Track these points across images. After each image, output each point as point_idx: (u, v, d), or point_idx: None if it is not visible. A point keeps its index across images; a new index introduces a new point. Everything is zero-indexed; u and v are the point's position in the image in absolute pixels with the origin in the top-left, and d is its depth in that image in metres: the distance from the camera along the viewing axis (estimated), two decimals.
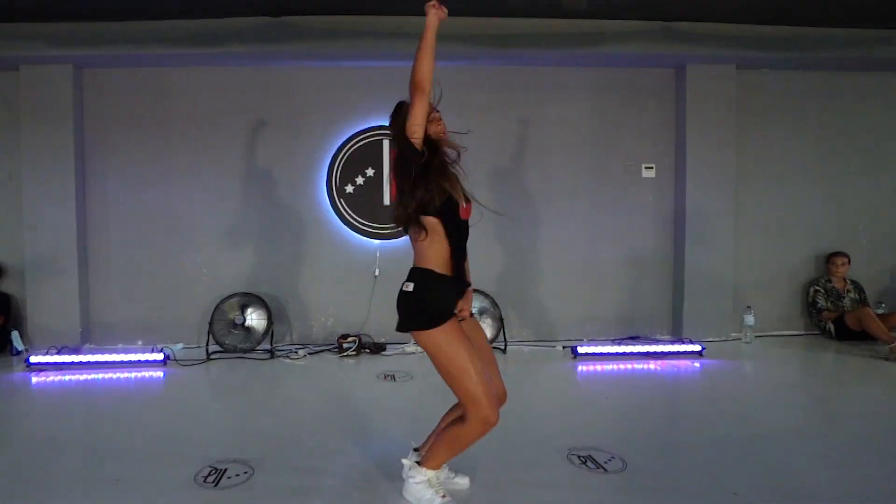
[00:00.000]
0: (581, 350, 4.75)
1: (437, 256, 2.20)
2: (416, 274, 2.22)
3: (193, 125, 5.14)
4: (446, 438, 2.26)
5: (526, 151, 5.21)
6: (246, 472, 2.62)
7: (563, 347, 4.96)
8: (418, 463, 2.35)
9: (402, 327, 2.21)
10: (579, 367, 4.54)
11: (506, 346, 4.91)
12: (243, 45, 4.77)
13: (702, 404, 3.78)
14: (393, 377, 4.27)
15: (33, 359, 4.57)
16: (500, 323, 4.96)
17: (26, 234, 5.00)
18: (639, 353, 4.79)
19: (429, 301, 2.16)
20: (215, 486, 2.51)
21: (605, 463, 2.71)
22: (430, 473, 2.32)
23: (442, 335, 2.12)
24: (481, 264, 5.13)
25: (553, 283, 5.26)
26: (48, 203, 4.97)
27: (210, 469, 2.65)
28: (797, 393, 4.05)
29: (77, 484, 2.61)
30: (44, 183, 4.97)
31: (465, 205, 2.28)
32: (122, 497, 2.44)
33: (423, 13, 2.16)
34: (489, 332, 4.94)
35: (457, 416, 2.28)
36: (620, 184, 5.23)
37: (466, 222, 2.32)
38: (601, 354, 4.77)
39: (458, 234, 2.26)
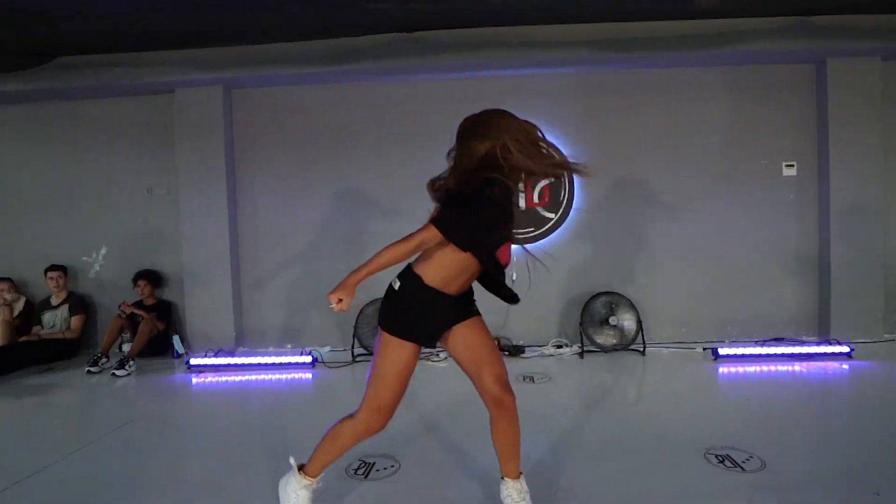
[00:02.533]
0: (722, 351, 4.69)
1: None
2: None
3: (331, 138, 5.40)
4: (327, 437, 2.20)
5: (657, 153, 5.19)
6: (393, 466, 2.75)
7: (703, 349, 4.90)
8: (299, 468, 2.26)
9: None
10: (720, 369, 4.47)
11: (644, 347, 4.90)
12: (378, 61, 4.98)
13: (849, 407, 3.69)
14: (532, 378, 4.33)
15: (193, 361, 4.92)
16: (638, 325, 4.94)
17: (184, 244, 5.38)
18: (782, 355, 4.67)
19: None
20: (365, 477, 2.65)
21: (743, 462, 2.67)
22: (306, 481, 2.22)
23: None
24: (617, 266, 5.18)
25: (691, 285, 5.20)
26: (203, 215, 5.34)
27: (360, 462, 2.79)
28: None
29: (260, 468, 2.80)
30: (198, 197, 5.35)
31: None
32: None
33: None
34: (627, 336, 4.94)
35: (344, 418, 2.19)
36: (759, 183, 5.13)
37: None
38: (743, 356, 4.69)
39: None
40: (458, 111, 2.46)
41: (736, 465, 2.65)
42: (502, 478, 2.23)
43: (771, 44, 4.79)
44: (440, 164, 2.36)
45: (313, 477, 2.23)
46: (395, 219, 5.32)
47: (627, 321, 4.96)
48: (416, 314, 2.08)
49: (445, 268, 2.07)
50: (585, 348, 4.93)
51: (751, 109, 5.16)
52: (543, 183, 5.22)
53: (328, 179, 5.40)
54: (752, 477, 2.53)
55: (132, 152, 5.55)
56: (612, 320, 4.93)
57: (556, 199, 5.23)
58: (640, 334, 4.93)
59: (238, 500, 2.52)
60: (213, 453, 3.06)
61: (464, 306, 2.18)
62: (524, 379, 4.31)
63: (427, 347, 2.16)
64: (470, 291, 2.22)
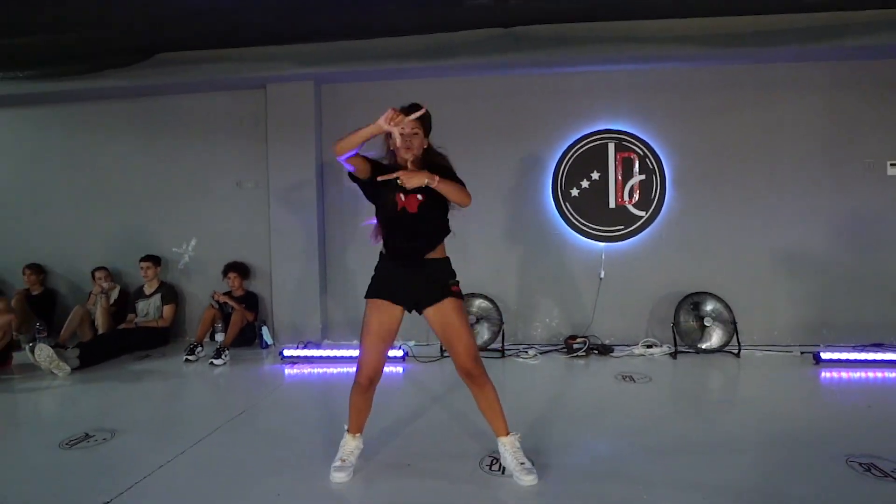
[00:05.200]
0: (824, 356, 4.56)
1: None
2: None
3: None
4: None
5: (755, 152, 5.06)
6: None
7: (802, 353, 4.78)
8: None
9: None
10: (823, 374, 4.35)
11: (739, 350, 4.79)
12: (474, 57, 4.94)
13: None
14: (632, 378, 4.28)
15: (286, 352, 5.00)
16: (732, 326, 4.84)
17: (272, 237, 5.48)
18: (890, 362, 4.52)
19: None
20: (502, 473, 2.65)
21: (894, 472, 2.57)
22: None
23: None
24: (709, 266, 5.08)
25: (785, 286, 5.06)
26: (293, 209, 5.42)
27: (492, 458, 2.79)
28: None
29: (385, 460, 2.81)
30: (288, 190, 5.43)
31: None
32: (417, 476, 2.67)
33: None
34: (721, 337, 4.85)
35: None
36: (862, 182, 4.96)
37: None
38: (847, 361, 4.55)
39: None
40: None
41: (886, 474, 2.57)
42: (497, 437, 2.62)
43: (882, 37, 4.61)
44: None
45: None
46: (487, 211, 5.29)
47: (722, 322, 4.86)
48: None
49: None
50: (678, 349, 4.85)
51: (852, 106, 4.98)
52: (634, 181, 5.14)
53: None
54: None
55: (225, 146, 5.68)
56: (707, 321, 4.84)
57: (647, 197, 5.14)
58: (736, 336, 4.83)
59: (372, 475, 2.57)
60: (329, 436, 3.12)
61: (424, 282, 2.57)
62: (623, 378, 4.26)
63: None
64: (430, 266, 2.60)
